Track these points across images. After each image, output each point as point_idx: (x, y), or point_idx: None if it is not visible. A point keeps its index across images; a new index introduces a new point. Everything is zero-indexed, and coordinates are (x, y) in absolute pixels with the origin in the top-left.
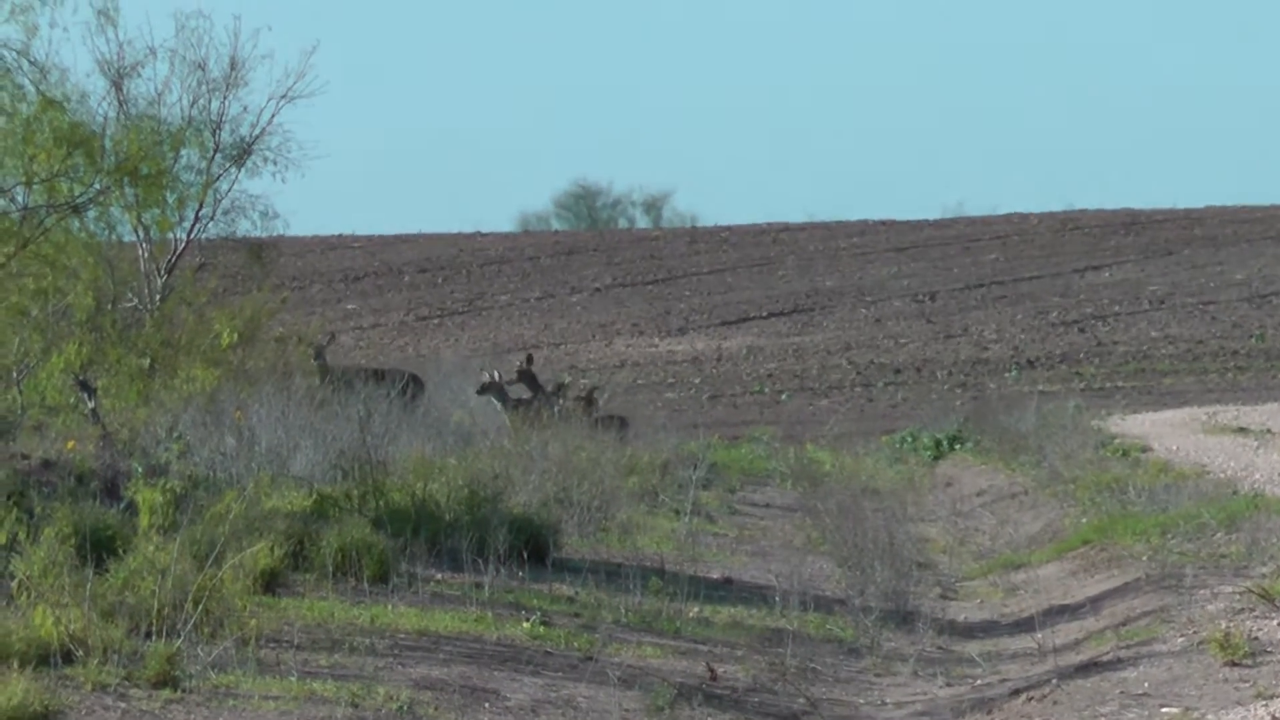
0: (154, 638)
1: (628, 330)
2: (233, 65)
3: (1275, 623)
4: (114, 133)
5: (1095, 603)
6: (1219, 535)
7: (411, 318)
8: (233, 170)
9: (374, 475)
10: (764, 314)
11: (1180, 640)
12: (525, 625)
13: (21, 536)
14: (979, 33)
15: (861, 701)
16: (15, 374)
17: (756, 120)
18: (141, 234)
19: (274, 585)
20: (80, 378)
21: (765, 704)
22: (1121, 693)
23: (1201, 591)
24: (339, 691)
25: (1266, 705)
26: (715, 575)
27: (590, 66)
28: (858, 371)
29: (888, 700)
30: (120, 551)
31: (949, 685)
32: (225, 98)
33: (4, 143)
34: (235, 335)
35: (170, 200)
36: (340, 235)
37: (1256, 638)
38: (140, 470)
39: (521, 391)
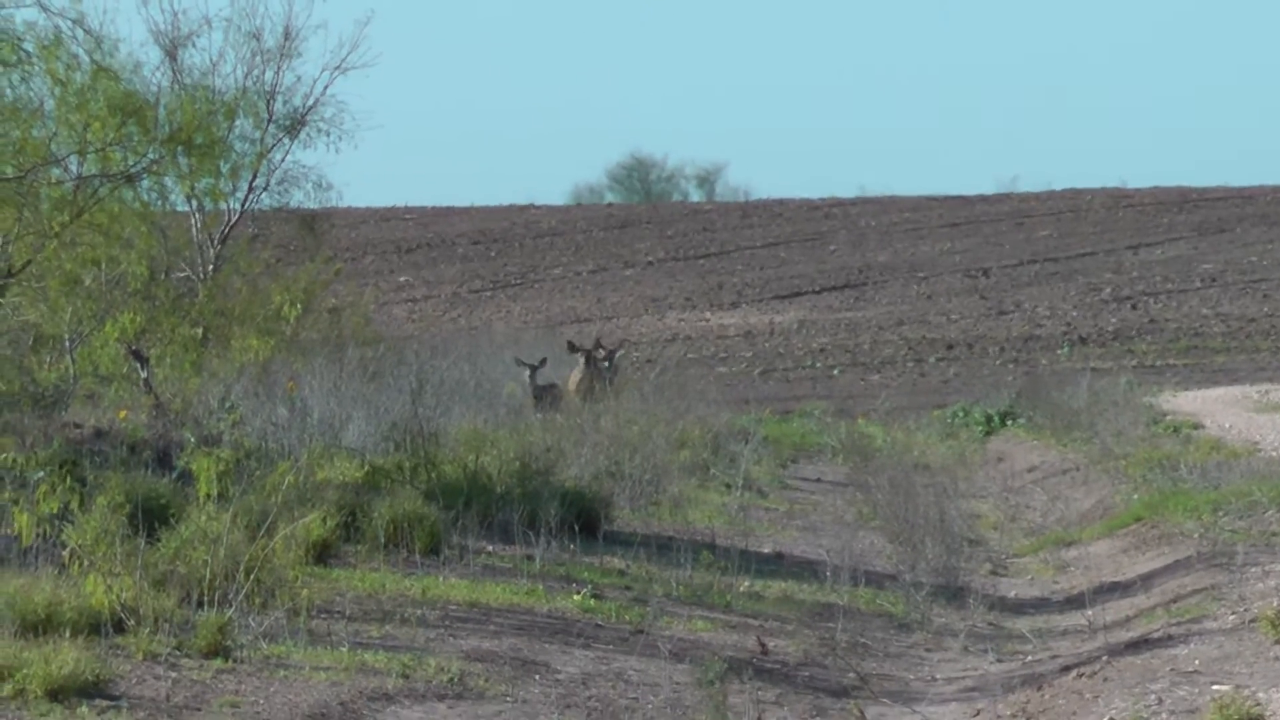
0: (205, 608)
1: (680, 304)
2: (287, 35)
3: None
4: (168, 102)
5: (1146, 580)
6: (1270, 513)
7: (464, 290)
8: (286, 141)
9: (426, 447)
10: (816, 289)
11: (1231, 618)
12: (576, 598)
13: (74, 505)
14: (1035, 7)
15: (911, 677)
16: (69, 343)
17: (810, 94)
18: (194, 204)
19: (325, 556)
20: (133, 347)
21: (815, 678)
22: (1172, 670)
23: (1253, 569)
24: (390, 662)
25: None
26: (766, 549)
27: (645, 39)
28: (909, 347)
29: (938, 676)
30: (172, 521)
31: (999, 661)
32: (279, 68)
33: (58, 111)
34: (299, 307)
35: (223, 170)
36: (393, 207)
37: None
38: (193, 440)
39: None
